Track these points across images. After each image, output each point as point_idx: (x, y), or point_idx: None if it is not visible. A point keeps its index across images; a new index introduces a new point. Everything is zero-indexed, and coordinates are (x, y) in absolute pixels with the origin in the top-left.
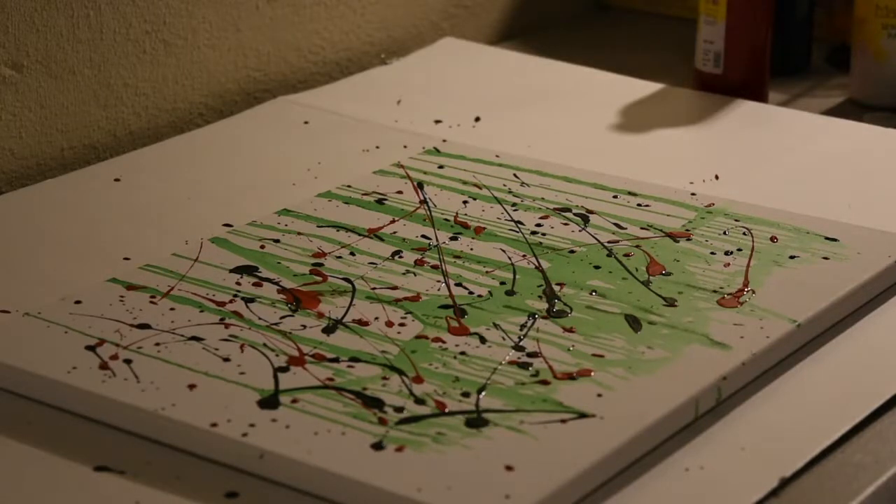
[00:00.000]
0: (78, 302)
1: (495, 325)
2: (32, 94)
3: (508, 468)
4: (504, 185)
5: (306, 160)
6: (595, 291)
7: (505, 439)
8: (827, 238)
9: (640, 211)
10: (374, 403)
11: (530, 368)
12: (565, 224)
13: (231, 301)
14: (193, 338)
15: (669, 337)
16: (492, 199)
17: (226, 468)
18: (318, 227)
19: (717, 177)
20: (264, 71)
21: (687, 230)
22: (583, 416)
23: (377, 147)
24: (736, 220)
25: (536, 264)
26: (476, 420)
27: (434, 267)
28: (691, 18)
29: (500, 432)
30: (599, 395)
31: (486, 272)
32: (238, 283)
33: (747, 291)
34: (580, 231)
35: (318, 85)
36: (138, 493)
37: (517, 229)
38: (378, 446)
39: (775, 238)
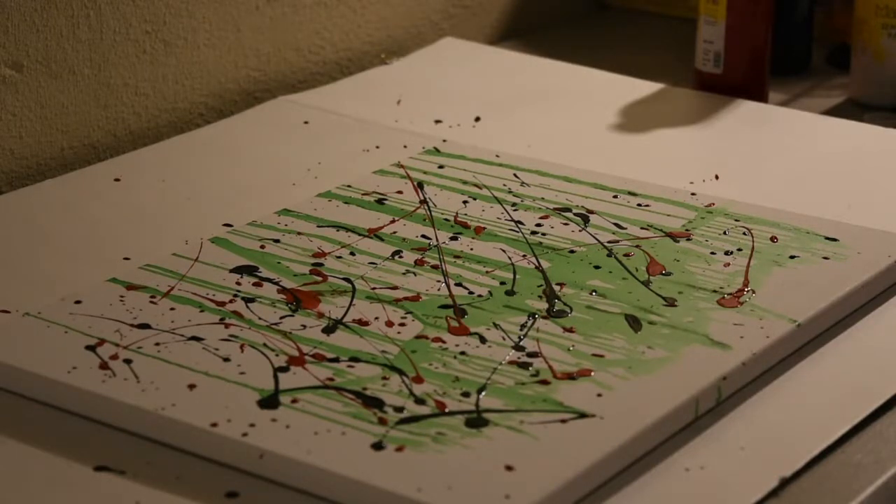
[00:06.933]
0: (78, 302)
1: (495, 325)
2: (32, 94)
3: (508, 468)
4: (504, 185)
5: (306, 160)
6: (595, 291)
7: (505, 439)
8: (827, 238)
9: (640, 211)
10: (374, 403)
11: (530, 368)
12: (565, 224)
13: (231, 301)
14: (193, 338)
15: (669, 337)
16: (492, 199)
17: (226, 468)
18: (318, 227)
19: (717, 177)
20: (264, 71)
21: (687, 230)
22: (583, 416)
23: (377, 147)
24: (736, 220)
25: (536, 264)
26: (476, 420)
27: (434, 267)
28: (691, 18)
29: (500, 432)
30: (599, 395)
31: (486, 272)
32: (238, 283)
33: (747, 291)
34: (580, 231)
35: (318, 85)
36: (138, 493)
37: (517, 229)
38: (378, 446)
39: (775, 238)
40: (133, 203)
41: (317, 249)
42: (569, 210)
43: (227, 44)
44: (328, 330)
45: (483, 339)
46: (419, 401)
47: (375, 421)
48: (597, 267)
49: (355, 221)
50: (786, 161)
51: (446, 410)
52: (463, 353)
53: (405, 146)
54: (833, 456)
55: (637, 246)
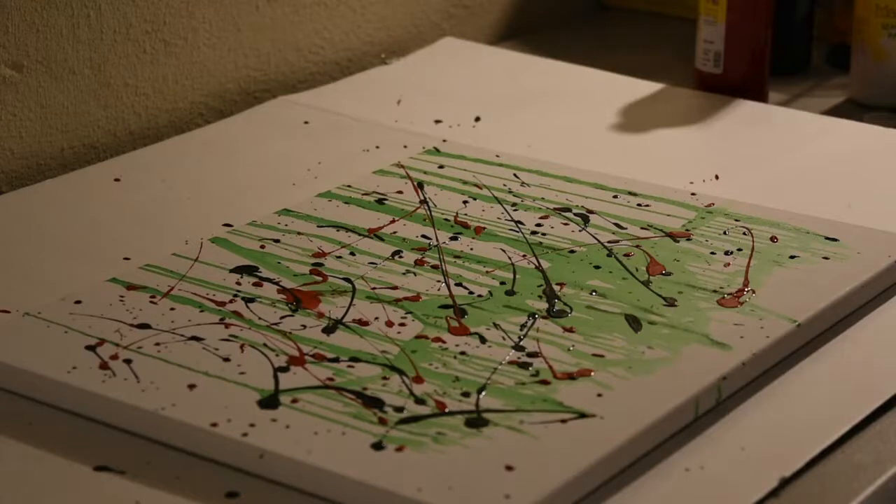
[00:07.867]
0: (78, 302)
1: (495, 325)
2: (32, 94)
3: (508, 468)
4: (504, 185)
5: (306, 160)
6: (595, 291)
7: (505, 439)
8: (827, 238)
9: (640, 211)
10: (374, 403)
11: (530, 368)
12: (565, 224)
13: (231, 301)
14: (193, 338)
15: (669, 337)
16: (492, 199)
17: (226, 468)
18: (318, 227)
19: (717, 177)
20: (264, 71)
21: (687, 230)
22: (583, 416)
23: (377, 147)
24: (736, 220)
25: (536, 264)
26: (476, 420)
27: (434, 267)
28: (691, 18)
29: (500, 432)
30: (599, 395)
31: (486, 272)
32: (238, 283)
33: (747, 291)
34: (580, 231)
35: (318, 85)
36: (138, 493)
37: (517, 229)
38: (378, 446)
39: (775, 238)
40: (133, 203)
41: (317, 249)
42: (569, 210)
43: (227, 44)
44: (328, 330)
45: (483, 339)
46: (419, 401)
47: (375, 421)
48: (597, 267)
49: (355, 221)
50: (786, 161)
51: (446, 410)
52: (463, 353)
53: (405, 146)
54: (833, 456)
55: (637, 246)
